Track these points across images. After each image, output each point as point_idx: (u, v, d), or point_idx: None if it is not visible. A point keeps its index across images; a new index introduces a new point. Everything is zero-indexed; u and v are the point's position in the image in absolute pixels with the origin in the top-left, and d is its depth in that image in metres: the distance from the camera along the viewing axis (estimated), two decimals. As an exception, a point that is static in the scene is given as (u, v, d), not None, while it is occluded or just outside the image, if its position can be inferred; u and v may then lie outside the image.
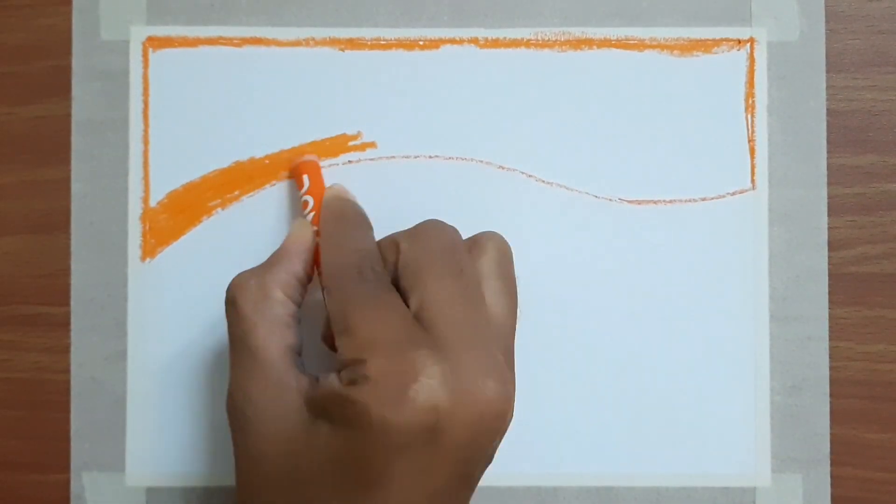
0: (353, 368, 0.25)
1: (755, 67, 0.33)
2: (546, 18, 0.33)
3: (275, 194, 0.33)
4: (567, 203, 0.33)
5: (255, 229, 0.33)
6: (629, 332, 0.33)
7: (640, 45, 0.33)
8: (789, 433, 0.33)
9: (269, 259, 0.29)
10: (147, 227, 0.33)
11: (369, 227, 0.29)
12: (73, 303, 0.33)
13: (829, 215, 0.33)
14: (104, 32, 0.33)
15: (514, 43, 0.33)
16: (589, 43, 0.33)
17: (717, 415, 0.32)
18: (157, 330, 0.33)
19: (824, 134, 0.33)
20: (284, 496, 0.26)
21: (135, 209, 0.33)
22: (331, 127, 0.33)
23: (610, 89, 0.33)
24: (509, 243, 0.29)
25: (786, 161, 0.33)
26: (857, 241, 0.33)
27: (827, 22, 0.33)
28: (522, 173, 0.33)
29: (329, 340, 0.30)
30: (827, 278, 0.33)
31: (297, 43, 0.33)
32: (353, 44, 0.33)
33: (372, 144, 0.33)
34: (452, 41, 0.33)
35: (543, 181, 0.33)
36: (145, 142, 0.33)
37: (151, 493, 0.33)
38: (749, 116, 0.33)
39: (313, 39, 0.33)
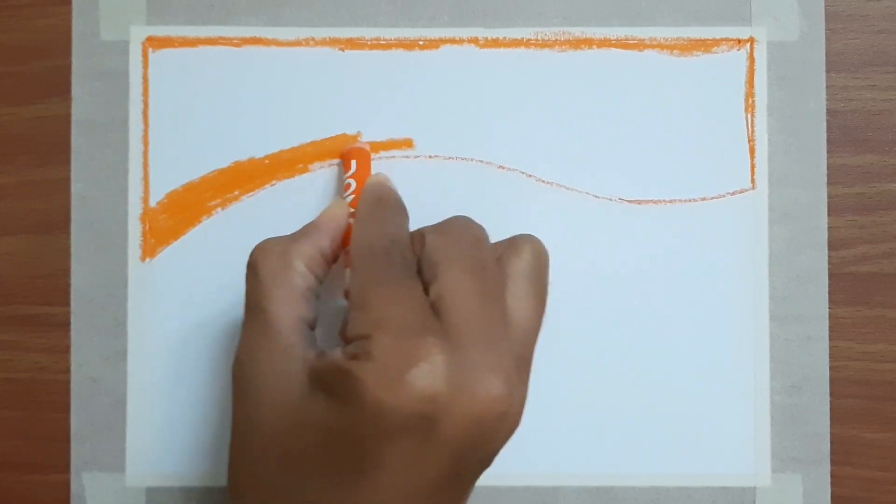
0: (359, 343, 0.25)
1: (755, 67, 0.33)
2: (546, 18, 0.33)
3: (275, 194, 0.33)
4: (567, 203, 0.33)
5: (255, 229, 0.33)
6: (629, 332, 0.33)
7: (640, 45, 0.33)
8: (789, 433, 0.33)
9: (298, 230, 0.29)
10: (147, 227, 0.33)
11: (405, 217, 0.29)
12: (73, 303, 0.33)
13: (829, 215, 0.33)
14: (104, 32, 0.33)
15: (514, 43, 0.33)
16: (589, 43, 0.33)
17: (717, 415, 0.32)
18: (157, 330, 0.33)
19: (824, 134, 0.33)
20: (276, 466, 0.26)
21: (135, 209, 0.33)
22: (331, 127, 0.33)
23: (610, 89, 0.33)
24: (547, 250, 0.28)
25: (786, 161, 0.33)
26: (857, 241, 0.33)
27: (827, 22, 0.33)
28: (522, 173, 0.33)
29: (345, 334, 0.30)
30: (827, 278, 0.33)
31: (296, 43, 0.33)
32: (353, 44, 0.33)
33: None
34: (452, 41, 0.33)
35: (543, 181, 0.33)
36: (145, 142, 0.33)
37: (151, 493, 0.33)
38: (749, 116, 0.33)
39: (313, 39, 0.33)
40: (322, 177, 0.33)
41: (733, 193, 0.33)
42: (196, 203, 0.33)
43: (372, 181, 0.30)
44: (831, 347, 0.33)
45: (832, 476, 0.33)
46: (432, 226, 0.28)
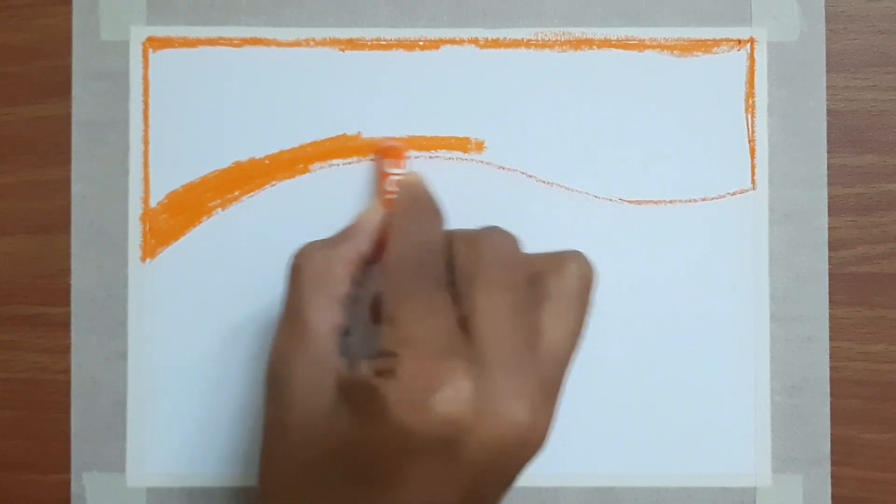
0: (386, 360, 0.25)
1: (755, 67, 0.33)
2: (546, 18, 0.33)
3: (275, 194, 0.33)
4: (567, 203, 0.33)
5: (255, 230, 0.33)
6: (629, 332, 0.33)
7: (640, 45, 0.33)
8: (789, 433, 0.33)
9: (338, 234, 0.29)
10: (147, 228, 0.33)
11: (441, 220, 0.29)
12: (73, 303, 0.33)
13: (829, 215, 0.33)
14: (104, 32, 0.33)
15: (514, 43, 0.33)
16: (589, 43, 0.33)
17: (717, 415, 0.32)
18: (157, 330, 0.33)
19: (824, 134, 0.33)
20: (300, 472, 0.26)
21: (135, 209, 0.33)
22: (331, 127, 0.33)
23: (610, 89, 0.33)
24: (594, 268, 0.27)
25: (786, 161, 0.33)
26: (857, 241, 0.33)
27: (827, 22, 0.33)
28: (522, 173, 0.33)
29: (375, 314, 0.30)
30: (827, 278, 0.33)
31: (297, 43, 0.33)
32: (353, 44, 0.33)
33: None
34: (452, 41, 0.33)
35: (543, 181, 0.33)
36: (145, 142, 0.33)
37: (151, 493, 0.33)
38: (749, 116, 0.33)
39: (313, 39, 0.33)
40: (322, 177, 0.33)
41: (733, 193, 0.33)
42: (196, 203, 0.33)
43: (407, 181, 0.30)
44: (831, 348, 0.33)
45: (832, 476, 0.33)
46: (465, 232, 0.27)
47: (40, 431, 0.33)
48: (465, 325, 0.25)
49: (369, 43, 0.33)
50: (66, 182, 0.33)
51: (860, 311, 0.33)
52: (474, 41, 0.33)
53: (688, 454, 0.32)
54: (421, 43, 0.33)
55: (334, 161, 0.33)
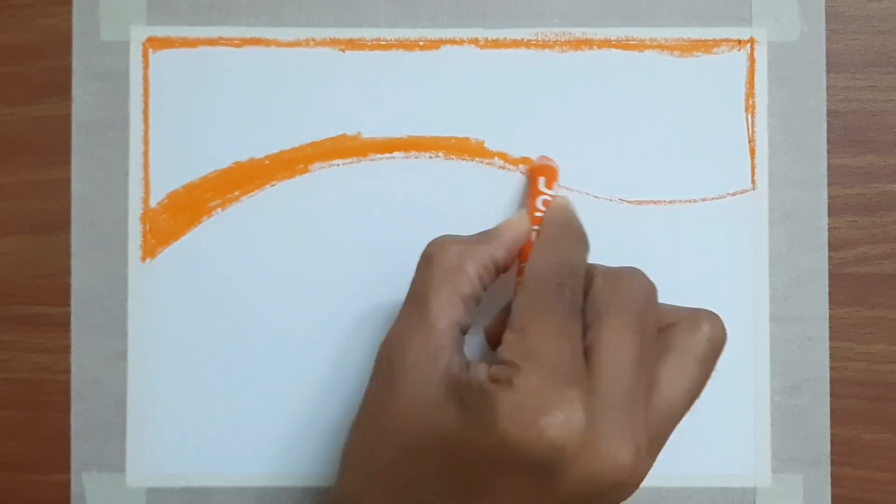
0: (505, 369, 0.24)
1: (755, 68, 0.33)
2: (546, 18, 0.33)
3: (275, 194, 0.33)
4: (567, 203, 0.33)
5: (255, 229, 0.33)
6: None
7: (640, 46, 0.33)
8: (789, 433, 0.33)
9: (478, 234, 0.29)
10: (147, 228, 0.33)
11: (586, 249, 0.29)
12: (73, 303, 0.33)
13: (829, 215, 0.33)
14: (104, 32, 0.33)
15: (514, 43, 0.33)
16: (589, 43, 0.33)
17: (716, 415, 0.32)
18: (157, 330, 0.33)
19: (824, 134, 0.33)
20: (394, 460, 0.26)
21: (135, 209, 0.33)
22: (331, 127, 0.33)
23: (610, 89, 0.33)
24: (727, 334, 0.27)
25: (786, 161, 0.33)
26: (857, 241, 0.33)
27: (827, 22, 0.33)
28: (522, 173, 0.33)
29: (490, 336, 0.30)
30: (827, 278, 0.33)
31: (297, 43, 0.33)
32: (353, 44, 0.33)
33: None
34: (452, 41, 0.33)
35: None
36: (145, 142, 0.33)
37: (151, 493, 0.33)
38: (749, 116, 0.33)
39: (313, 40, 0.33)
40: (322, 177, 0.33)
41: (733, 193, 0.33)
42: (196, 203, 0.33)
43: (560, 203, 0.30)
44: (831, 348, 0.33)
45: (832, 476, 0.33)
46: (607, 268, 0.28)
47: (40, 431, 0.33)
48: (588, 356, 0.25)
49: (369, 43, 0.33)
50: (66, 182, 0.33)
51: (860, 311, 0.33)
52: (474, 41, 0.33)
53: (688, 454, 0.32)
54: (421, 43, 0.33)
55: (334, 161, 0.33)
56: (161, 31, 0.33)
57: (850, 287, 0.33)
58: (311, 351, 0.33)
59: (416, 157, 0.33)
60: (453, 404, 0.25)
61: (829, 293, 0.33)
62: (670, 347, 0.27)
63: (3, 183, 0.33)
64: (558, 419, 0.23)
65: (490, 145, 0.33)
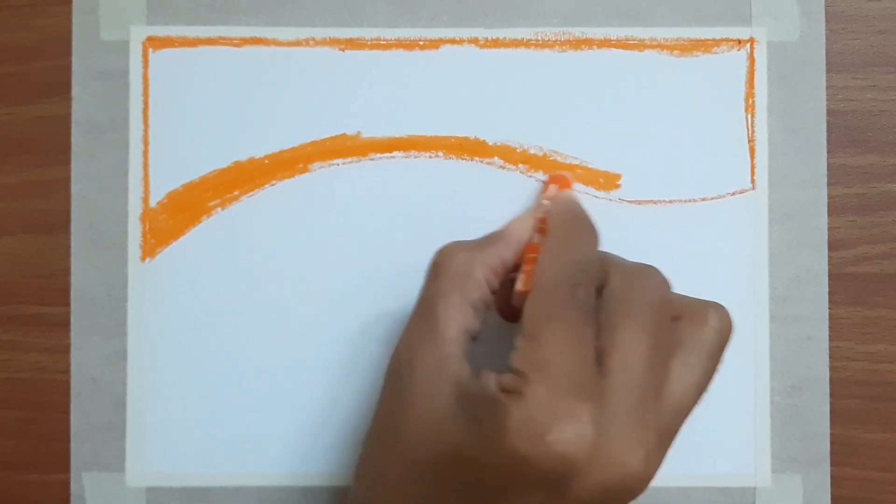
0: (515, 378, 0.24)
1: (755, 67, 0.33)
2: (546, 18, 0.33)
3: (275, 194, 0.33)
4: (567, 203, 0.33)
5: (255, 229, 0.33)
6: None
7: (640, 45, 0.33)
8: (789, 433, 0.32)
9: (484, 237, 0.29)
10: (147, 227, 0.33)
11: (597, 241, 0.28)
12: (73, 303, 0.33)
13: (829, 215, 0.33)
14: (104, 32, 0.33)
15: (514, 43, 0.33)
16: (589, 43, 0.33)
17: (717, 415, 0.32)
18: (157, 330, 0.33)
19: (824, 134, 0.33)
20: (406, 472, 0.26)
21: (135, 209, 0.33)
22: (331, 127, 0.33)
23: (610, 89, 0.33)
24: (733, 324, 0.27)
25: (786, 161, 0.33)
26: (857, 241, 0.33)
27: (827, 22, 0.33)
28: (522, 173, 0.33)
29: (502, 309, 0.29)
30: (827, 278, 0.33)
31: (297, 43, 0.33)
32: (353, 44, 0.33)
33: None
34: (452, 41, 0.33)
35: (543, 181, 0.33)
36: (145, 142, 0.33)
37: (151, 493, 0.33)
38: (749, 116, 0.33)
39: (313, 39, 0.33)
40: (322, 177, 0.33)
41: (733, 193, 0.33)
42: (196, 203, 0.33)
43: (565, 196, 0.30)
44: (831, 348, 0.33)
45: (832, 476, 0.33)
46: (623, 263, 0.27)
47: (40, 431, 0.33)
48: (600, 356, 0.25)
49: (369, 43, 0.33)
50: (66, 182, 0.33)
51: (860, 311, 0.33)
52: (474, 41, 0.33)
53: (688, 454, 0.32)
54: (421, 43, 0.33)
55: (334, 161, 0.33)
56: (161, 31, 0.33)
57: (849, 287, 0.33)
58: (310, 350, 0.33)
59: (416, 157, 0.33)
60: (463, 416, 0.25)
61: (829, 293, 0.33)
62: (679, 342, 0.26)
63: (3, 183, 0.33)
64: (567, 434, 0.23)
65: (490, 145, 0.33)
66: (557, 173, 0.32)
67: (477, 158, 0.33)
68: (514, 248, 0.28)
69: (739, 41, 0.33)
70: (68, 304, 0.33)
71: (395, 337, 0.33)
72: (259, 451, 0.32)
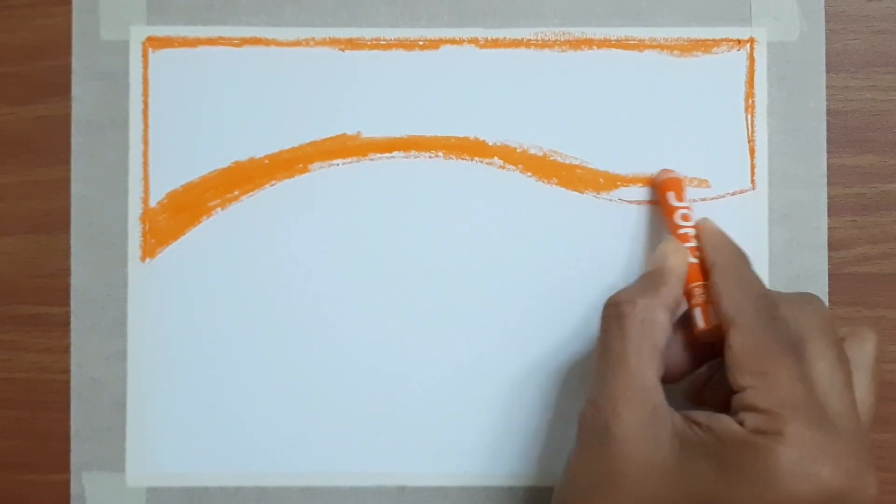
0: (766, 419, 0.24)
1: (755, 67, 0.33)
2: (546, 18, 0.33)
3: (274, 194, 0.33)
4: (567, 203, 0.33)
5: (255, 229, 0.33)
6: (629, 332, 0.33)
7: (640, 45, 0.33)
8: (789, 433, 0.32)
9: (648, 278, 0.29)
10: (147, 227, 0.33)
11: (759, 277, 0.28)
12: (73, 303, 0.33)
13: (829, 215, 0.33)
14: (104, 32, 0.33)
15: (514, 43, 0.33)
16: (589, 43, 0.33)
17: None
18: (157, 330, 0.33)
19: (824, 134, 0.33)
20: None
21: (135, 209, 0.33)
22: (331, 127, 0.33)
23: (610, 89, 0.33)
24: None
25: (786, 161, 0.33)
26: (857, 241, 0.33)
27: (827, 22, 0.33)
28: (522, 173, 0.33)
29: (693, 391, 0.29)
30: (827, 278, 0.33)
31: (297, 43, 0.33)
32: (353, 44, 0.33)
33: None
34: (452, 41, 0.33)
35: (543, 181, 0.33)
36: (145, 142, 0.33)
37: (151, 493, 0.33)
38: (749, 116, 0.33)
39: (313, 39, 0.33)
40: (322, 177, 0.33)
41: (733, 193, 0.33)
42: (196, 203, 0.33)
43: (715, 228, 0.30)
44: (831, 347, 0.33)
45: (832, 476, 0.32)
46: (784, 294, 0.27)
47: (40, 431, 0.33)
48: (808, 387, 0.25)
49: (369, 43, 0.33)
50: (66, 182, 0.33)
51: (860, 311, 0.33)
52: (474, 41, 0.33)
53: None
54: (421, 43, 0.33)
55: (334, 161, 0.33)
56: (161, 31, 0.33)
57: (849, 287, 0.33)
58: (310, 350, 0.33)
59: (416, 157, 0.33)
60: (702, 461, 0.25)
61: (829, 293, 0.33)
62: (852, 362, 0.27)
63: (3, 183, 0.33)
64: (839, 470, 0.24)
65: (490, 145, 0.33)
66: (665, 177, 0.32)
67: (477, 158, 0.33)
68: (681, 283, 0.29)
69: (739, 41, 0.33)
70: (68, 304, 0.33)
71: (395, 335, 0.33)
72: (259, 451, 0.32)
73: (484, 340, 0.33)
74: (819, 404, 0.25)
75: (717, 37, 0.33)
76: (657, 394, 0.26)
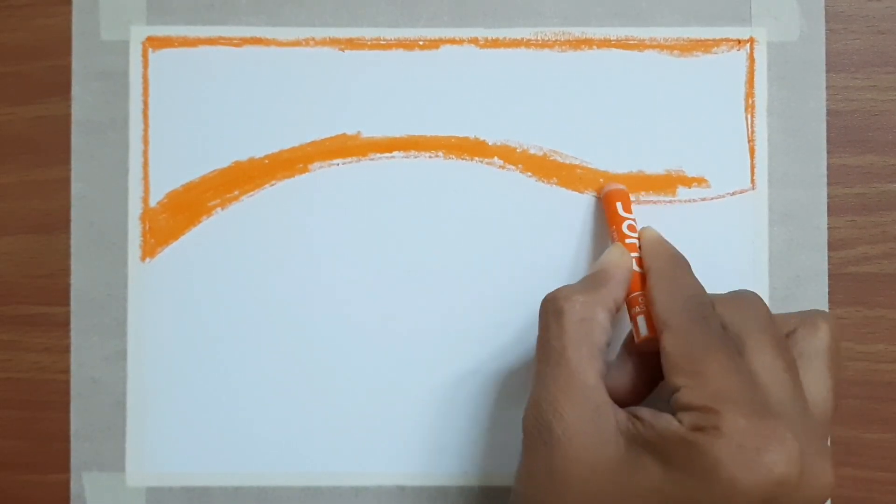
0: (702, 416, 0.24)
1: (755, 67, 0.33)
2: (546, 18, 0.33)
3: (274, 194, 0.33)
4: (567, 203, 0.33)
5: (254, 229, 0.33)
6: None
7: (640, 45, 0.33)
8: (789, 433, 0.32)
9: (590, 279, 0.29)
10: (147, 227, 0.33)
11: (696, 279, 0.28)
12: (73, 303, 0.33)
13: (829, 215, 0.33)
14: (104, 32, 0.33)
15: (514, 43, 0.33)
16: (589, 43, 0.33)
17: (717, 415, 0.32)
18: (157, 330, 0.33)
19: (824, 134, 0.33)
20: None
21: (135, 209, 0.33)
22: (331, 127, 0.33)
23: (610, 89, 0.33)
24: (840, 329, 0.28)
25: (786, 161, 0.33)
26: (857, 241, 0.33)
27: (827, 22, 0.33)
28: (522, 173, 0.33)
29: (634, 351, 0.29)
30: (827, 278, 0.33)
31: (297, 43, 0.33)
32: (353, 44, 0.33)
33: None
34: (452, 41, 0.33)
35: (544, 181, 0.33)
36: (145, 142, 0.33)
37: (151, 493, 0.33)
38: (749, 116, 0.33)
39: (313, 39, 0.33)
40: (322, 177, 0.33)
41: (733, 193, 0.33)
42: (196, 203, 0.33)
43: (652, 235, 0.30)
44: (831, 347, 0.33)
45: (832, 476, 0.32)
46: (721, 295, 0.28)
47: (40, 431, 0.33)
48: (753, 380, 0.25)
49: (369, 43, 0.33)
50: (66, 182, 0.33)
51: (860, 311, 0.33)
52: (474, 41, 0.33)
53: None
54: (421, 43, 0.33)
55: (334, 161, 0.33)
56: (161, 31, 0.33)
57: (849, 287, 0.33)
58: (310, 350, 0.33)
59: (416, 157, 0.33)
60: (648, 460, 0.25)
61: (829, 293, 0.33)
62: (800, 355, 0.27)
63: (3, 183, 0.33)
64: (781, 454, 0.24)
65: (490, 145, 0.33)
66: (612, 188, 0.32)
67: (477, 158, 0.33)
68: (622, 286, 0.29)
69: (739, 41, 0.33)
70: (68, 304, 0.33)
71: (394, 335, 0.33)
72: (259, 451, 0.32)
73: (483, 340, 0.33)
74: (759, 394, 0.25)
75: (717, 37, 0.33)
76: (599, 392, 0.26)
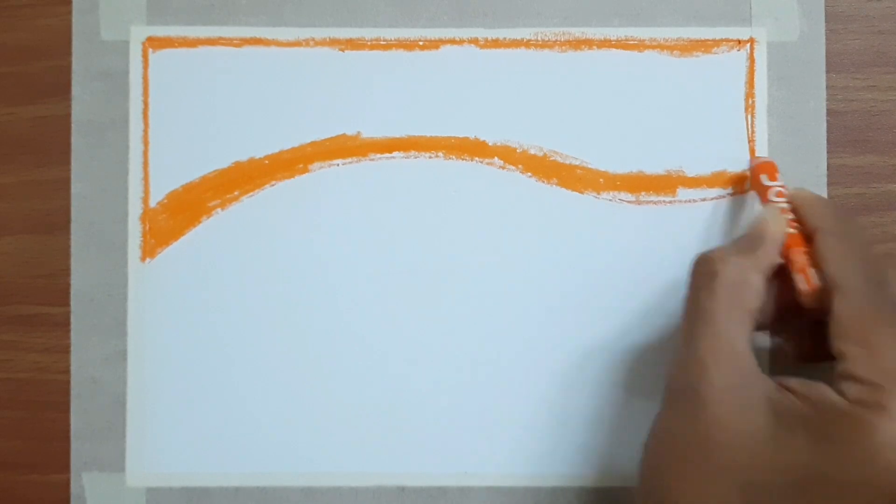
0: (868, 389, 0.23)
1: (755, 67, 0.33)
2: (546, 18, 0.33)
3: (274, 195, 0.33)
4: (567, 203, 0.33)
5: (254, 230, 0.33)
6: (631, 333, 0.33)
7: (640, 45, 0.33)
8: (789, 433, 0.32)
9: (745, 240, 0.27)
10: (147, 228, 0.33)
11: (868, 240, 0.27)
12: (73, 303, 0.33)
13: (829, 215, 0.33)
14: (104, 32, 0.33)
15: (514, 43, 0.33)
16: (589, 43, 0.33)
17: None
18: (157, 330, 0.33)
19: (824, 134, 0.33)
20: (736, 495, 0.24)
21: (135, 209, 0.33)
22: (331, 127, 0.33)
23: (610, 90, 0.33)
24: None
25: (786, 161, 0.33)
26: (857, 242, 0.33)
27: (827, 22, 0.33)
28: (522, 173, 0.33)
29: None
30: (827, 278, 0.33)
31: (297, 43, 0.33)
32: (353, 44, 0.33)
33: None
34: (452, 41, 0.33)
35: (544, 181, 0.33)
36: (145, 142, 0.33)
37: (151, 493, 0.33)
38: (749, 116, 0.33)
39: (313, 39, 0.33)
40: (322, 177, 0.33)
41: (733, 194, 0.33)
42: (196, 203, 0.33)
43: (812, 195, 0.29)
44: (831, 348, 0.33)
45: (832, 476, 0.32)
46: (893, 257, 0.27)
47: (40, 431, 0.33)
48: None
49: (369, 43, 0.33)
50: (66, 182, 0.33)
51: (860, 311, 0.33)
52: (474, 41, 0.33)
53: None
54: (421, 43, 0.33)
55: (334, 161, 0.33)
56: (161, 31, 0.33)
57: (850, 287, 0.33)
58: (310, 350, 0.33)
59: (416, 157, 0.33)
60: (799, 432, 0.24)
61: (829, 293, 0.33)
62: None
63: (3, 183, 0.33)
64: None
65: (490, 145, 0.33)
66: (758, 162, 0.31)
67: (477, 158, 0.33)
68: (776, 249, 0.27)
69: (739, 41, 0.33)
70: (68, 304, 0.33)
71: (394, 336, 0.33)
72: (259, 451, 0.32)
73: (483, 340, 0.33)
74: None
75: (717, 37, 0.33)
76: (748, 358, 0.25)
